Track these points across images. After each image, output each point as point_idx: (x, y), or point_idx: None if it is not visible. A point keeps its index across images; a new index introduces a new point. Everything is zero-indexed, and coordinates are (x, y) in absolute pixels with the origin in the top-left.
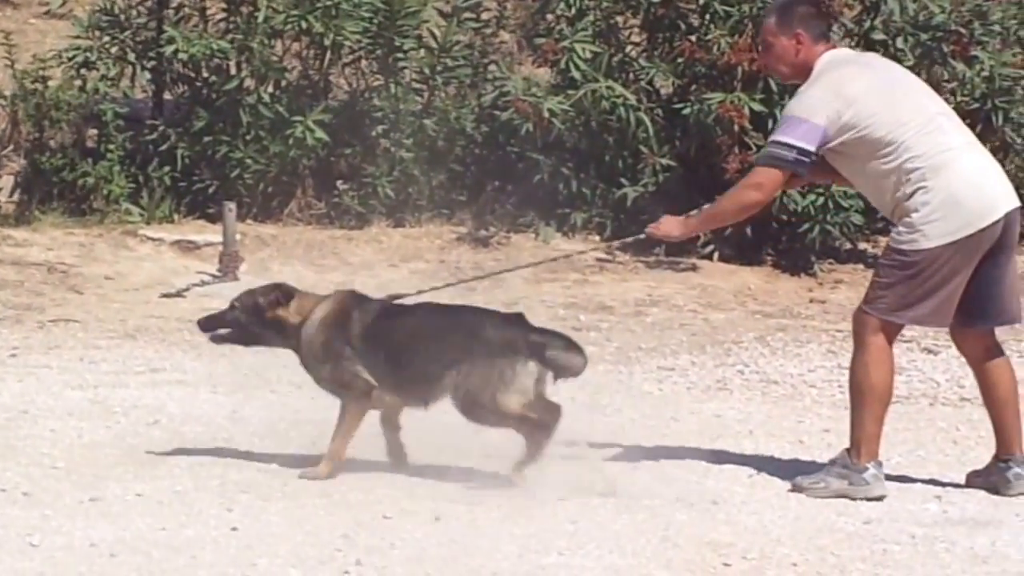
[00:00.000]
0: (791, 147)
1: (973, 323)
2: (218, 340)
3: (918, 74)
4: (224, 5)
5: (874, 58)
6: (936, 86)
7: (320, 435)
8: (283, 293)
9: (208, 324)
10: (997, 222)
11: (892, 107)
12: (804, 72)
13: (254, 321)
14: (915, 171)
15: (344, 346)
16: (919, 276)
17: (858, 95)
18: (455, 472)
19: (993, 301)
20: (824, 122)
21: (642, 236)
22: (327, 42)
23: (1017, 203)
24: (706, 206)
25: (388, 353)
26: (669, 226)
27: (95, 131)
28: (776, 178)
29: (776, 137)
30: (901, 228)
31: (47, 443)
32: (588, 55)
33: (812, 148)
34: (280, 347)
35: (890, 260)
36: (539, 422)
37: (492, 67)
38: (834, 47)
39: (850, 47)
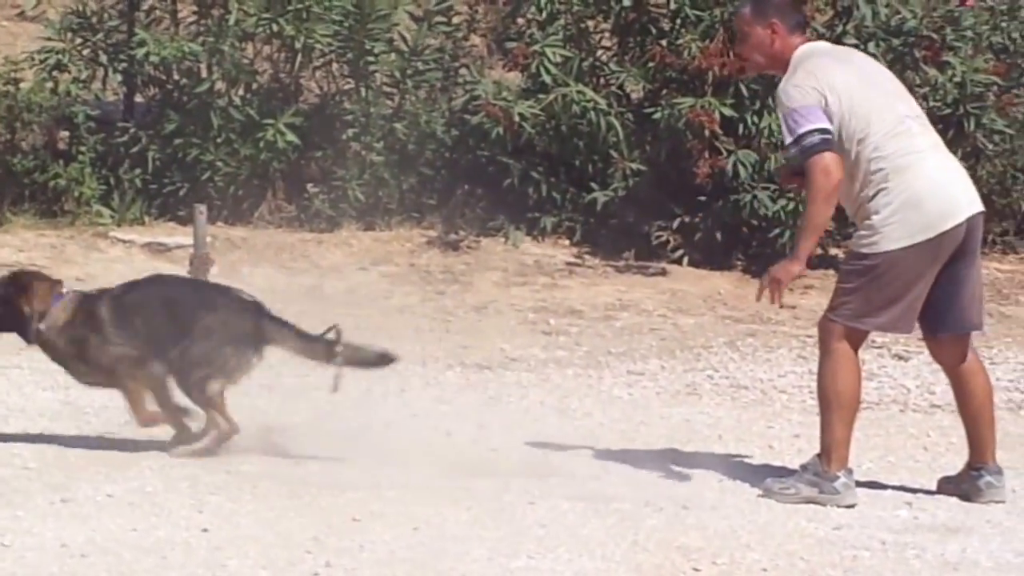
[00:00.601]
0: (812, 132)
1: (934, 330)
2: None
3: None
4: (195, 8)
5: (852, 53)
6: (908, 91)
7: (290, 438)
8: (18, 286)
9: None
10: (959, 226)
11: (866, 104)
12: (781, 63)
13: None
14: (878, 172)
15: (93, 335)
16: (880, 280)
17: (837, 85)
18: (425, 475)
19: (954, 308)
20: (815, 103)
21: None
22: (298, 45)
23: (980, 208)
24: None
25: (143, 326)
26: (784, 270)
27: (67, 133)
28: (831, 157)
29: (796, 134)
30: (862, 231)
31: (18, 444)
32: (559, 59)
33: (826, 124)
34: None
35: (851, 264)
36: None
37: (463, 71)
38: (810, 40)
39: None
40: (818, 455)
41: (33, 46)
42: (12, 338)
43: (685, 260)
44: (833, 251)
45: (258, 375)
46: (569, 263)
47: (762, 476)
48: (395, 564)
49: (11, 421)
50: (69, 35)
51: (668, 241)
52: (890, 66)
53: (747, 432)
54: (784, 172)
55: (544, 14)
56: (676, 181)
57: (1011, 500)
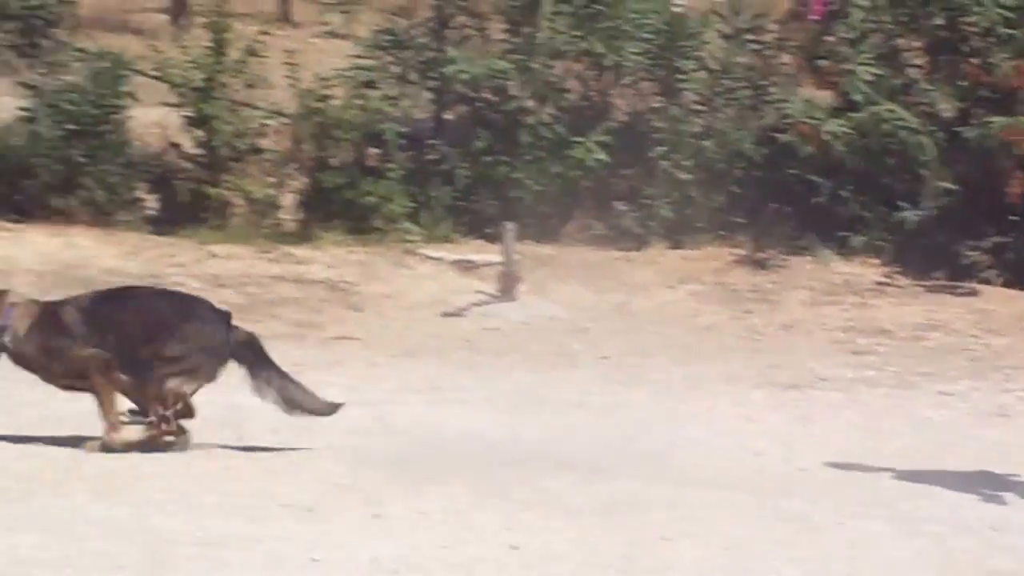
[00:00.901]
0: None
1: None
2: None
3: None
4: (505, 26)
5: None
6: None
7: (599, 455)
8: None
9: None
10: None
11: None
12: None
13: None
14: None
15: (62, 337)
16: None
17: None
18: (735, 495)
19: None
20: None
21: None
22: (608, 63)
23: None
24: None
25: (114, 334)
26: None
27: (376, 150)
28: None
29: None
30: None
31: (329, 460)
32: (869, 77)
33: None
34: None
35: None
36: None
37: (772, 89)
38: None
39: None
40: None
41: (342, 63)
42: (323, 355)
43: (997, 280)
44: None
45: (565, 393)
46: (879, 282)
47: None
48: None
49: (322, 437)
50: (379, 52)
51: (979, 261)
52: None
53: None
54: None
55: (855, 32)
56: (988, 200)
57: None
